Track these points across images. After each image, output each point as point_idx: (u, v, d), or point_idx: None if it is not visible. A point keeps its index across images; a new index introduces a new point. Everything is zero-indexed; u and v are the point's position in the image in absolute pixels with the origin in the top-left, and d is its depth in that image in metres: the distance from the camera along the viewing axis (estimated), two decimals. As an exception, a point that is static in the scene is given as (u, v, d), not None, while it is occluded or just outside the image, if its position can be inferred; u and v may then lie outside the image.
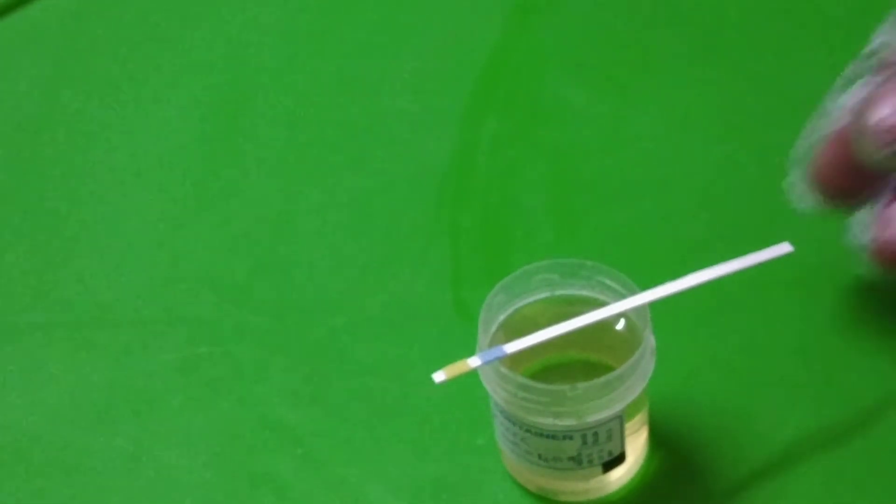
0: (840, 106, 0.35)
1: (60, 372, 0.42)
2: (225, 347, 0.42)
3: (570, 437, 0.33)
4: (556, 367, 0.36)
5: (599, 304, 0.34)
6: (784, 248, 0.33)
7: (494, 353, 0.32)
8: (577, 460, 0.34)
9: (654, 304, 0.33)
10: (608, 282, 0.35)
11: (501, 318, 0.35)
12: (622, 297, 0.34)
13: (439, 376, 0.31)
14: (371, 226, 0.46)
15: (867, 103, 0.33)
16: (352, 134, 0.49)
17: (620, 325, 0.35)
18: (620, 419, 0.33)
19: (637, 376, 0.33)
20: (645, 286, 0.33)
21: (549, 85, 0.51)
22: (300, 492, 0.37)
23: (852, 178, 0.35)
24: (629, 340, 0.34)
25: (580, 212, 0.46)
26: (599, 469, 0.35)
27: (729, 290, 0.41)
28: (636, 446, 0.36)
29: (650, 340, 0.34)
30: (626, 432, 0.34)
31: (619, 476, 0.36)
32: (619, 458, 0.35)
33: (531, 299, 0.36)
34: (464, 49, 0.52)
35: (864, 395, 0.38)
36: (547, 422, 0.33)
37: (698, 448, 0.37)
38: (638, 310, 0.34)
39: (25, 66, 0.54)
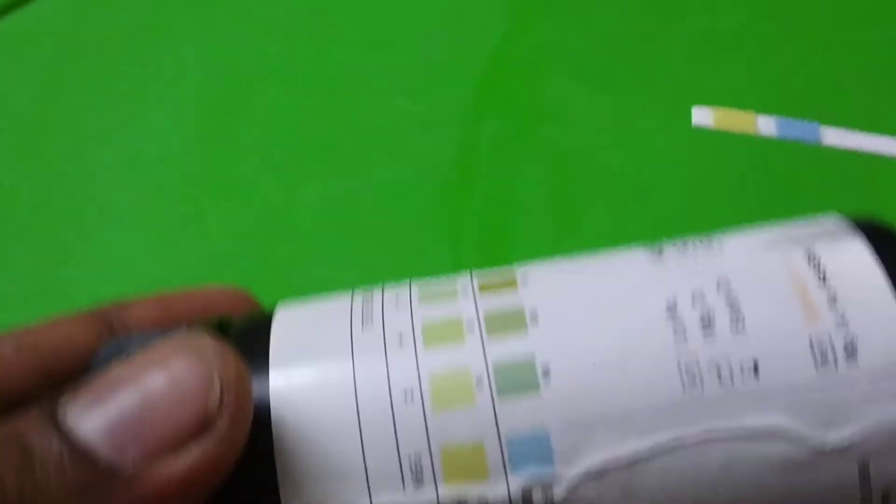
0: None
1: (60, 372, 0.42)
2: (225, 347, 0.42)
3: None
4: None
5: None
6: None
7: (803, 129, 0.24)
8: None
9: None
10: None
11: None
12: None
13: (703, 116, 0.23)
14: (371, 226, 0.46)
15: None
16: (351, 134, 0.49)
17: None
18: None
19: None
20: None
21: (549, 85, 0.51)
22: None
23: None
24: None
25: (580, 212, 0.45)
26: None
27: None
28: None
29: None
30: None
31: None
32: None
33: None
34: (464, 49, 0.52)
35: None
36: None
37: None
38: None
39: (25, 66, 0.54)
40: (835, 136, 0.20)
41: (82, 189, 0.48)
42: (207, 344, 0.19)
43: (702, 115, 0.21)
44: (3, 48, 0.55)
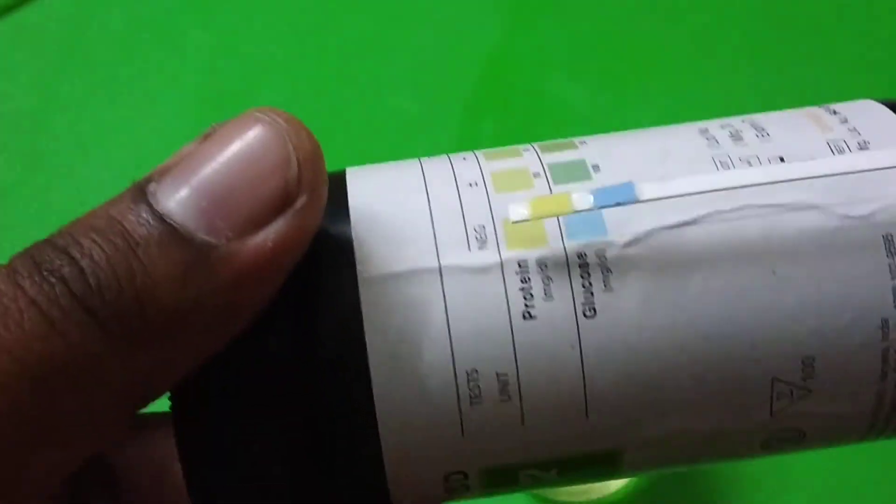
0: None
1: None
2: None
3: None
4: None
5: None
6: None
7: (619, 192, 0.20)
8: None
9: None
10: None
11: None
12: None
13: (520, 211, 0.20)
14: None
15: None
16: (351, 134, 0.49)
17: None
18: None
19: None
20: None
21: (549, 84, 0.51)
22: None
23: None
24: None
25: (580, 212, 0.45)
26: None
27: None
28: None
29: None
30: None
31: (619, 476, 0.36)
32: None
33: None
34: (464, 49, 0.52)
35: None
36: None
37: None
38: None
39: (25, 66, 0.54)
40: (651, 190, 0.20)
41: (82, 189, 0.48)
42: (278, 117, 0.20)
43: (517, 212, 0.21)
44: (3, 48, 0.55)
